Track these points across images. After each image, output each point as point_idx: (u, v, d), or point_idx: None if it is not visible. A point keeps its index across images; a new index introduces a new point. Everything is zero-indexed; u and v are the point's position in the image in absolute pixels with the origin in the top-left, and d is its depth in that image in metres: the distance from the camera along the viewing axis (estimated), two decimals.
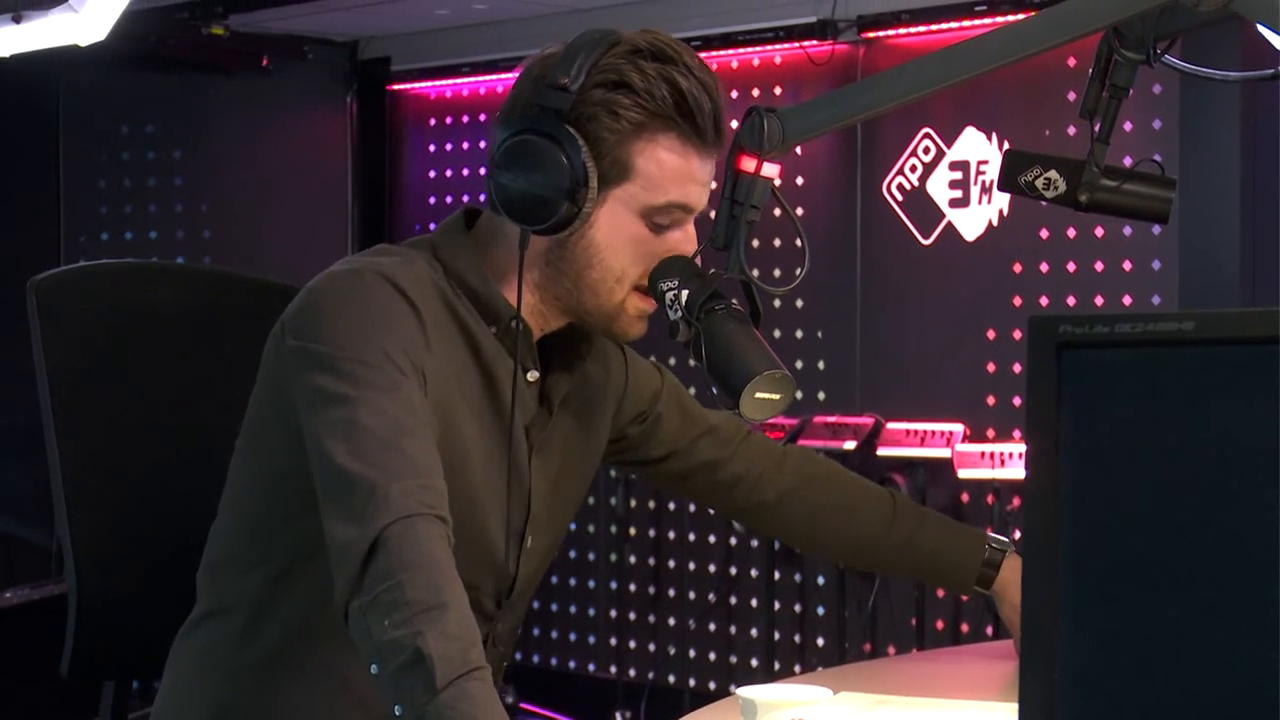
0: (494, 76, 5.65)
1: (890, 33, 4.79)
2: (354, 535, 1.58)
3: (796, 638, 5.03)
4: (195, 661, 1.91)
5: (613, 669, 5.43)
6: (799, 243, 1.86)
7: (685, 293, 1.79)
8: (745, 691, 1.64)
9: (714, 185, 1.83)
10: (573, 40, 1.82)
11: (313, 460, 1.68)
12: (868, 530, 2.14)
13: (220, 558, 1.91)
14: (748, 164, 1.79)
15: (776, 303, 4.98)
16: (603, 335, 1.92)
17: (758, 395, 1.75)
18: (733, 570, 5.18)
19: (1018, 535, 4.43)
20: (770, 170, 1.79)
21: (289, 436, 1.73)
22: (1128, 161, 1.94)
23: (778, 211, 1.88)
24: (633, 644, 5.40)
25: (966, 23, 4.62)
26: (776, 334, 5.01)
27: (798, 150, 5.20)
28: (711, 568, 5.22)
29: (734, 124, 1.83)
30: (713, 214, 1.81)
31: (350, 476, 1.62)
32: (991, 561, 2.12)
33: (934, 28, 4.71)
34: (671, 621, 5.31)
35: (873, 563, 2.24)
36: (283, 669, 1.85)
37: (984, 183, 4.68)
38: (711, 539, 5.23)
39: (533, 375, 1.91)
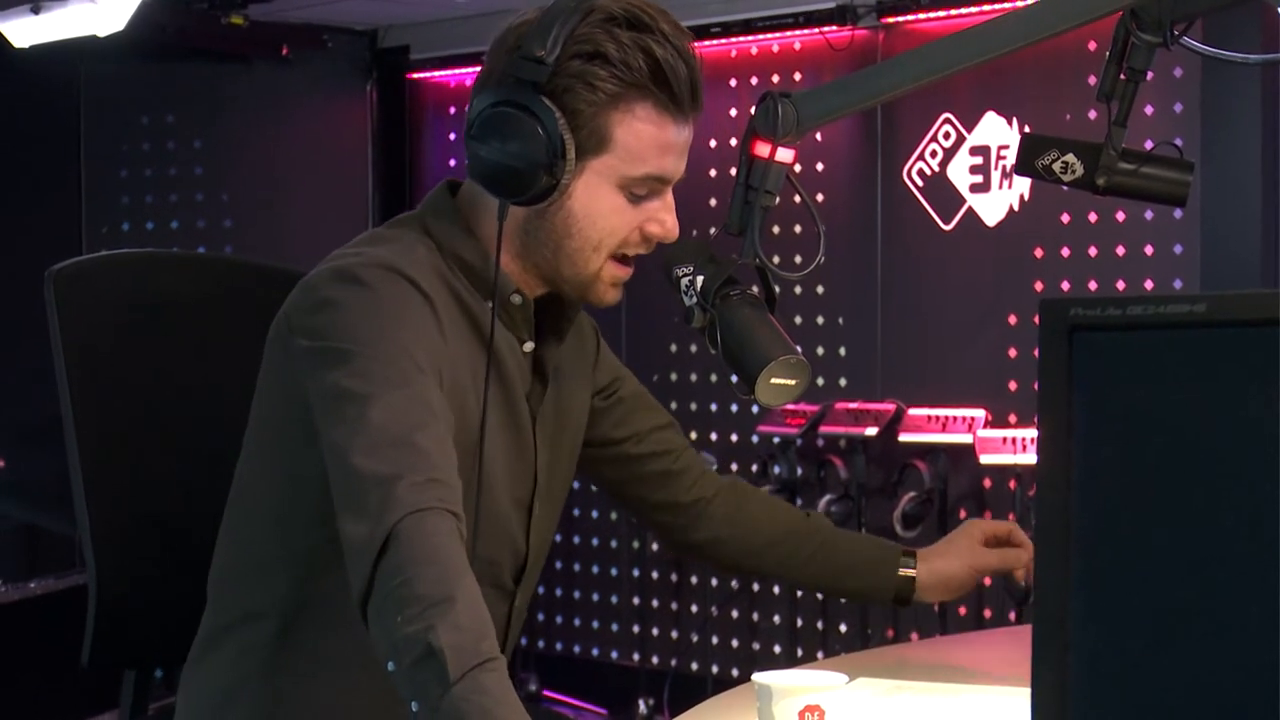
0: None
1: (910, 18, 4.78)
2: (366, 533, 1.57)
3: (819, 624, 5.02)
4: (228, 669, 1.88)
5: (635, 656, 5.44)
6: (817, 228, 1.86)
7: (700, 278, 1.79)
8: (761, 677, 1.64)
9: (722, 166, 1.82)
10: (548, 7, 1.80)
11: (327, 459, 1.67)
12: (785, 527, 2.16)
13: (243, 563, 1.88)
14: (762, 149, 1.78)
15: (797, 289, 4.97)
16: (578, 301, 1.91)
17: (773, 380, 1.75)
18: None
19: None
20: (785, 155, 1.79)
21: (310, 438, 1.71)
22: (1149, 145, 1.93)
23: (798, 197, 1.87)
24: (655, 631, 5.41)
25: (986, 7, 4.61)
26: (797, 320, 5.00)
27: (818, 136, 5.19)
28: None
29: (751, 110, 1.83)
30: (727, 199, 1.81)
31: (363, 474, 1.61)
32: (907, 563, 2.15)
33: (954, 12, 4.69)
34: (694, 608, 5.31)
35: (787, 563, 2.17)
36: (328, 668, 1.84)
37: (1004, 167, 4.67)
38: None
39: (528, 346, 1.91)
